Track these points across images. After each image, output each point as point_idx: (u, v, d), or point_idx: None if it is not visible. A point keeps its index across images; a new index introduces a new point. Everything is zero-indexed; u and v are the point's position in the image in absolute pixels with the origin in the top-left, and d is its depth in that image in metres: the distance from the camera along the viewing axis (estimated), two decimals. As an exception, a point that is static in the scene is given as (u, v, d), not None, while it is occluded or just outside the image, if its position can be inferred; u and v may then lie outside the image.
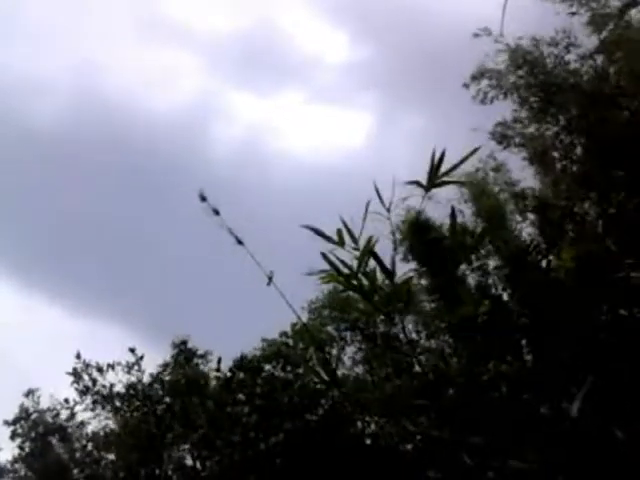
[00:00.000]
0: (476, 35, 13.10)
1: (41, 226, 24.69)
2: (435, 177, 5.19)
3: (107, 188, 24.99)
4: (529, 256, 13.07)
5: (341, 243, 5.05)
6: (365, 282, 5.08)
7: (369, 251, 5.05)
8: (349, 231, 5.01)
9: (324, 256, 5.08)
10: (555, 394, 10.71)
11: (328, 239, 5.11)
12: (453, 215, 6.78)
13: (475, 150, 5.31)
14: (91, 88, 28.87)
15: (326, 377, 13.06)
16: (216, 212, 5.45)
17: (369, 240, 5.05)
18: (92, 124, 26.92)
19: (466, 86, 13.44)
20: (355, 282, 5.11)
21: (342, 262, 5.08)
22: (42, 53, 29.56)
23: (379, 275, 5.09)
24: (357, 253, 5.03)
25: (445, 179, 5.27)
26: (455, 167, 5.20)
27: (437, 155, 5.14)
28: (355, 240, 5.01)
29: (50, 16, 28.44)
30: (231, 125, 29.24)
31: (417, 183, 5.13)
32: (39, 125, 27.63)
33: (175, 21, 31.25)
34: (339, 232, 5.10)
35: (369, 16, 23.18)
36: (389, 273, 5.19)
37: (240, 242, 5.45)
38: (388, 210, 5.02)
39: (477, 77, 13.36)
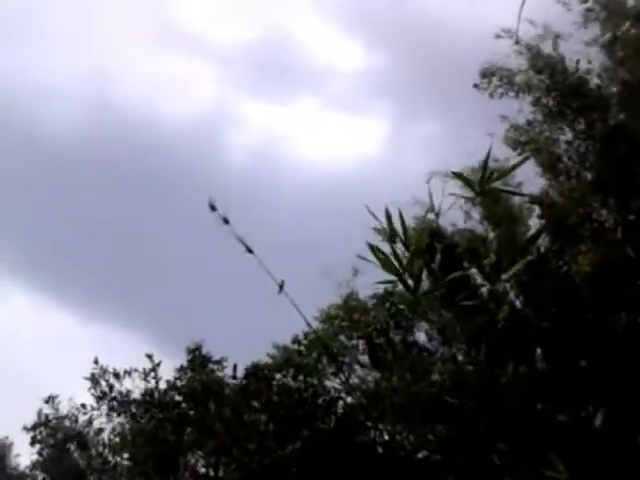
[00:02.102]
0: (497, 36, 13.02)
1: (53, 231, 24.92)
2: (484, 182, 5.08)
3: (120, 195, 25.22)
4: (547, 263, 12.99)
5: (392, 236, 4.94)
6: (410, 281, 5.00)
7: (419, 250, 4.99)
8: (404, 227, 4.92)
9: (371, 248, 4.98)
10: (574, 402, 10.62)
11: (378, 231, 5.02)
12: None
13: (526, 159, 5.25)
14: (105, 95, 29.18)
15: (338, 385, 13.08)
16: (225, 221, 5.43)
17: (419, 238, 4.99)
18: (105, 131, 27.19)
19: (476, 86, 13.35)
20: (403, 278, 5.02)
21: (395, 255, 4.98)
22: (56, 60, 29.91)
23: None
24: (404, 252, 4.93)
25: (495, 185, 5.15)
26: (506, 174, 5.15)
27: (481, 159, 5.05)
28: (406, 237, 4.94)
29: (65, 23, 28.80)
30: (245, 133, 29.42)
31: (470, 185, 5.00)
32: (51, 131, 27.94)
33: (189, 30, 31.53)
34: (390, 223, 4.97)
35: (383, 24, 23.25)
36: (436, 276, 5.13)
37: (250, 250, 5.43)
38: (437, 215, 4.98)
39: (487, 75, 13.27)
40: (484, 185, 4.94)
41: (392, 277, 5.08)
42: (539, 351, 12.55)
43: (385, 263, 5.00)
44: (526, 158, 5.15)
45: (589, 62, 12.91)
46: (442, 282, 5.51)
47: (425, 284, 5.53)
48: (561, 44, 12.99)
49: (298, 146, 29.31)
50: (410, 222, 10.72)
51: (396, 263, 5.04)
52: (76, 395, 16.15)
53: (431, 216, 10.61)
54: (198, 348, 15.75)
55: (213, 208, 5.23)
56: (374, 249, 4.90)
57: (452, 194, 5.32)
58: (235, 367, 15.63)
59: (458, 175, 4.92)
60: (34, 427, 16.07)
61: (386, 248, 4.92)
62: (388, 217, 4.94)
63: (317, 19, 29.63)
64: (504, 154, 13.35)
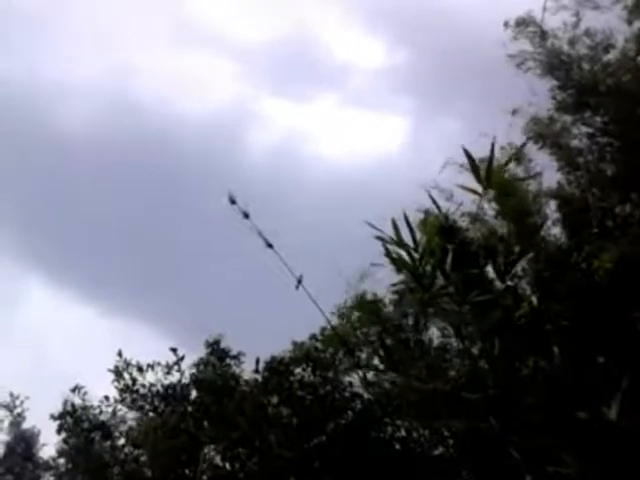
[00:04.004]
0: (512, 30, 12.91)
1: (74, 227, 25.24)
2: (490, 176, 5.08)
3: (140, 190, 25.48)
4: (566, 258, 12.87)
5: (400, 241, 5.01)
6: (425, 281, 5.06)
7: (430, 250, 5.06)
8: (411, 230, 4.98)
9: (386, 250, 5.06)
10: (593, 398, 10.52)
11: (384, 240, 5.10)
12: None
13: (524, 144, 5.22)
14: (125, 92, 29.46)
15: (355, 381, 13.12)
16: (246, 215, 5.51)
17: (429, 238, 5.05)
18: (125, 128, 27.46)
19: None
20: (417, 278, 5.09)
21: (410, 255, 5.05)
22: (77, 56, 30.21)
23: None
24: (415, 254, 4.99)
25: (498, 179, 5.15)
26: (508, 162, 5.15)
27: (487, 153, 5.05)
28: (415, 240, 4.99)
29: (85, 20, 29.09)
30: (266, 131, 29.49)
31: (478, 177, 5.01)
32: (71, 127, 28.29)
33: (210, 27, 31.65)
34: (396, 229, 5.05)
35: (404, 21, 23.14)
36: (446, 274, 5.19)
37: (270, 245, 5.51)
38: (447, 217, 4.98)
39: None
40: (491, 177, 4.96)
41: (405, 278, 5.16)
42: (557, 349, 12.46)
43: (398, 265, 5.09)
44: (526, 142, 5.10)
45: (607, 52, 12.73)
46: (453, 279, 5.55)
47: (441, 281, 5.57)
48: (580, 39, 12.84)
49: (319, 143, 29.36)
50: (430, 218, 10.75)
51: (410, 263, 5.10)
52: (100, 387, 16.48)
53: (447, 211, 10.61)
54: (217, 342, 15.91)
55: (233, 202, 5.30)
56: (388, 251, 4.98)
57: (462, 187, 5.32)
58: (258, 361, 15.75)
59: (471, 165, 4.92)
60: (60, 416, 16.42)
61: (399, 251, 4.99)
62: (395, 226, 5.02)
63: (338, 16, 29.54)
64: (526, 149, 13.27)
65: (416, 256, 4.90)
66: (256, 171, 27.00)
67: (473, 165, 5.09)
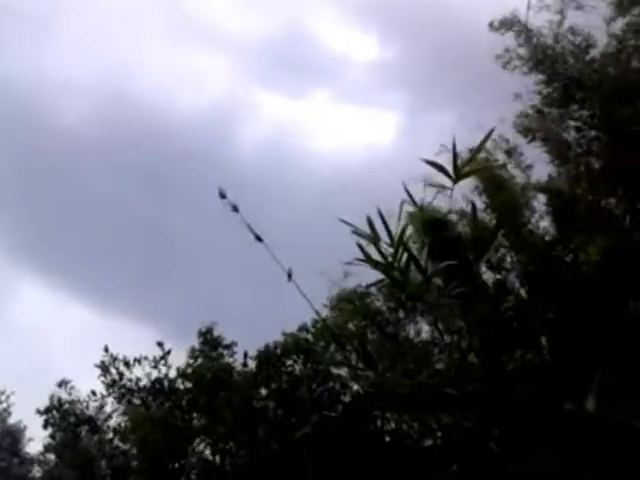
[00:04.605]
0: (497, 29, 12.98)
1: (72, 224, 25.09)
2: (458, 168, 5.06)
3: (134, 186, 25.35)
4: (553, 250, 12.93)
5: (375, 237, 5.00)
6: (398, 275, 5.05)
7: (404, 244, 5.02)
8: (386, 225, 4.97)
9: (360, 247, 5.05)
10: (576, 389, 10.61)
11: (362, 234, 5.10)
12: (474, 211, 6.69)
13: (491, 132, 5.17)
14: (122, 88, 29.24)
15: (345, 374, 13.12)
16: (235, 209, 5.48)
17: (402, 232, 5.01)
18: (122, 123, 27.27)
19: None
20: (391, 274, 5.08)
21: (381, 253, 5.05)
22: (75, 52, 29.99)
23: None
24: (391, 249, 5.00)
25: (468, 169, 5.14)
26: (475, 153, 5.12)
27: (454, 145, 5.03)
28: (390, 234, 4.97)
29: (83, 16, 28.88)
30: (260, 125, 29.38)
31: (445, 172, 4.99)
32: (68, 122, 28.09)
33: (205, 23, 31.47)
34: (371, 225, 5.05)
35: (396, 15, 23.07)
36: (422, 268, 5.16)
37: (259, 239, 5.48)
38: (421, 208, 4.97)
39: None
40: (459, 171, 4.95)
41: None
42: (545, 338, 12.54)
43: (373, 262, 5.07)
44: (491, 132, 5.02)
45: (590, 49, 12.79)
46: (437, 273, 5.53)
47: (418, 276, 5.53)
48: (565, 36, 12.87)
49: (312, 138, 29.27)
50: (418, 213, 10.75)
51: (381, 258, 5.09)
52: (89, 383, 16.41)
53: (428, 204, 10.60)
54: (209, 331, 15.89)
55: (223, 196, 5.28)
56: (362, 248, 4.96)
57: (431, 185, 5.30)
58: (246, 354, 15.73)
59: (430, 163, 4.93)
60: (47, 410, 16.35)
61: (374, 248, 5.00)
62: (370, 222, 5.00)
63: (331, 11, 29.45)
64: (517, 141, 13.32)
65: (390, 250, 4.90)
66: (250, 164, 26.95)
67: (454, 158, 5.08)
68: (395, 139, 26.74)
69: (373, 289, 13.52)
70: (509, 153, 13.35)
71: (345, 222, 4.96)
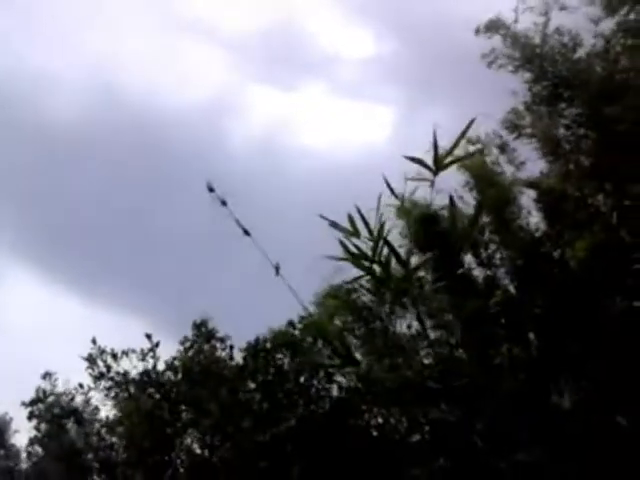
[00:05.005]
0: (487, 29, 13.00)
1: (60, 218, 24.96)
2: (439, 159, 5.09)
3: (124, 180, 25.25)
4: (542, 246, 13.00)
5: (355, 232, 5.04)
6: (379, 269, 5.08)
7: (383, 239, 5.05)
8: (364, 220, 5.00)
9: (341, 243, 5.09)
10: (563, 385, 10.70)
11: (343, 229, 5.12)
12: (452, 204, 6.71)
13: (472, 122, 5.16)
14: (111, 81, 29.06)
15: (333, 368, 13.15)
16: (223, 203, 5.49)
17: (381, 227, 5.04)
18: (111, 116, 27.12)
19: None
20: (370, 268, 5.11)
21: (358, 249, 5.09)
22: (64, 46, 29.80)
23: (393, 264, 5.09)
24: (371, 243, 5.02)
25: (450, 159, 5.15)
26: (456, 144, 5.12)
27: (435, 136, 5.04)
28: (370, 229, 5.00)
29: (73, 9, 28.63)
30: (252, 119, 29.34)
31: (423, 164, 5.02)
32: (56, 116, 27.88)
33: (199, 18, 31.41)
34: (351, 221, 5.09)
35: (391, 11, 23.07)
36: (403, 262, 5.19)
37: (247, 233, 5.49)
38: (403, 202, 4.97)
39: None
40: (439, 163, 5.00)
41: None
42: (533, 334, 12.62)
43: (353, 259, 5.09)
44: (472, 121, 5.00)
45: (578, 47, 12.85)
46: (413, 268, 5.56)
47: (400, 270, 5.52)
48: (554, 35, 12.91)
49: (306, 132, 29.26)
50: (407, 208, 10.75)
51: (360, 254, 5.11)
52: (76, 376, 16.34)
53: (419, 203, 10.60)
54: (204, 323, 15.88)
55: (211, 190, 5.28)
56: (344, 245, 4.99)
57: (410, 179, 5.31)
58: (232, 348, 15.78)
59: (410, 158, 4.96)
60: (32, 403, 16.29)
61: (360, 244, 5.02)
62: (350, 219, 5.03)
63: (326, 6, 29.40)
64: (510, 138, 13.35)
65: (370, 244, 4.92)
66: (242, 159, 26.91)
67: (435, 150, 5.10)
68: (389, 134, 26.80)
69: (363, 283, 13.52)
70: (502, 149, 13.39)
71: (324, 218, 4.98)
